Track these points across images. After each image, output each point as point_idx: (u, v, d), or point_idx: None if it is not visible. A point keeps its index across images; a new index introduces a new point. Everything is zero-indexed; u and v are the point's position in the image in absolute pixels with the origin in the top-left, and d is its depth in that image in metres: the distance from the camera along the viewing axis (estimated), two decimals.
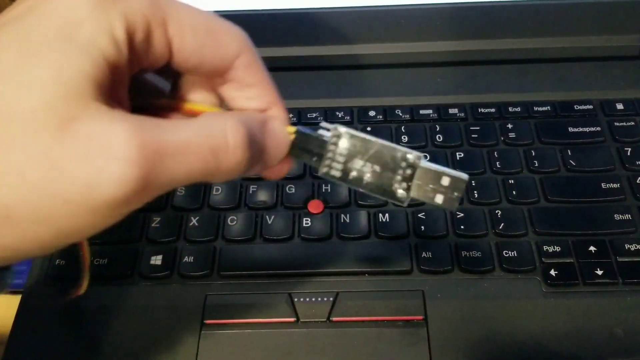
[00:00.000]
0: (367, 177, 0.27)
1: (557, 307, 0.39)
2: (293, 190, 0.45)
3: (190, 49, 0.24)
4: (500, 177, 0.45)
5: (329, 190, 0.45)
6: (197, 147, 0.22)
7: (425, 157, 0.27)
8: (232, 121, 0.24)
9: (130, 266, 0.42)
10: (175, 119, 0.27)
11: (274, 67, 0.52)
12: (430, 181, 0.26)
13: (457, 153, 0.47)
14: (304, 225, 0.43)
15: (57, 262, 0.42)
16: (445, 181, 0.26)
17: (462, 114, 0.50)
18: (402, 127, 0.49)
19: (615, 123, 0.48)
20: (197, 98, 0.28)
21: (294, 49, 0.54)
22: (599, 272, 0.40)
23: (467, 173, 0.26)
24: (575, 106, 0.50)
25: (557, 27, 0.52)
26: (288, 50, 0.53)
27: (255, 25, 0.53)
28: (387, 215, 0.43)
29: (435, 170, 0.26)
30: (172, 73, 0.28)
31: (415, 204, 0.44)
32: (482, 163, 0.46)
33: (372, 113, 0.50)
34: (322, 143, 0.27)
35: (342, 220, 0.43)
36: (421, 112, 0.50)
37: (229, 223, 0.44)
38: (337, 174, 0.27)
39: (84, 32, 0.21)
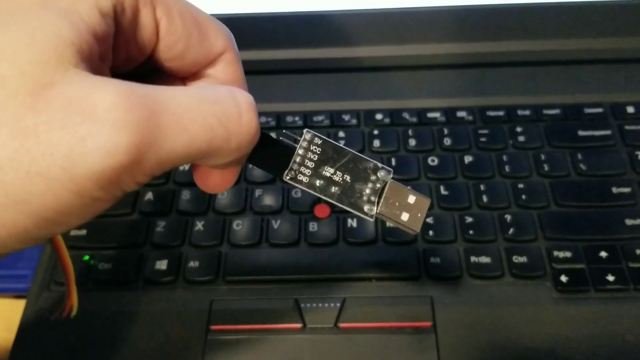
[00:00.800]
0: (335, 187, 0.25)
1: (567, 313, 0.39)
2: (299, 195, 0.45)
3: (177, 34, 0.23)
4: (509, 182, 0.45)
5: None
6: (201, 113, 0.20)
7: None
8: (237, 88, 0.22)
9: (135, 271, 0.42)
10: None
11: (281, 69, 0.53)
12: (398, 198, 0.26)
13: (466, 157, 0.46)
14: (310, 230, 0.43)
15: (60, 266, 0.42)
16: (412, 199, 0.26)
17: (471, 117, 0.49)
18: (410, 131, 0.48)
19: (625, 126, 0.48)
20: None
21: (300, 52, 0.53)
22: (610, 278, 0.40)
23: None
24: (585, 109, 0.49)
25: (566, 29, 0.52)
26: (294, 53, 0.53)
27: (262, 28, 0.52)
28: None
29: (403, 187, 0.26)
30: (143, 72, 0.26)
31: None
32: (491, 167, 0.46)
33: (379, 116, 0.50)
34: (287, 149, 0.26)
35: (348, 225, 0.43)
36: (429, 115, 0.49)
37: (235, 228, 0.43)
38: (304, 179, 0.25)
39: (64, 2, 0.20)
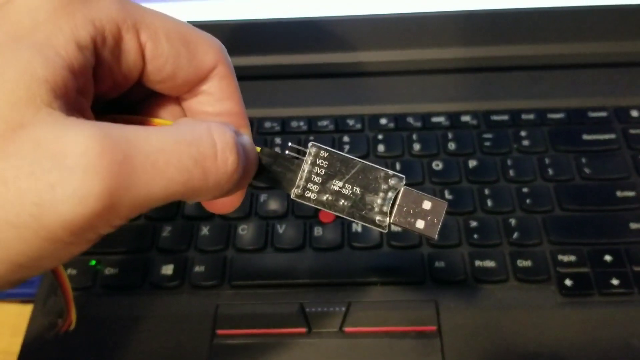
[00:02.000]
0: (345, 201, 0.25)
1: (572, 317, 0.39)
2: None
3: (164, 56, 0.23)
4: (514, 186, 0.45)
5: None
6: (177, 155, 0.19)
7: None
8: (216, 124, 0.21)
9: (141, 276, 0.42)
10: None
11: (285, 74, 0.53)
12: (412, 205, 0.25)
13: (470, 161, 0.46)
14: (315, 234, 0.43)
15: (68, 271, 0.42)
16: (427, 205, 0.25)
17: (475, 122, 0.49)
18: (414, 135, 0.48)
19: (630, 130, 0.48)
20: (165, 116, 0.26)
21: (305, 57, 0.53)
22: (615, 282, 0.40)
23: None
24: (589, 113, 0.49)
25: (570, 33, 0.52)
26: (299, 58, 0.53)
27: (267, 34, 0.53)
28: None
29: (417, 193, 0.25)
30: (136, 94, 0.26)
31: None
32: (496, 171, 0.46)
33: (383, 121, 0.50)
34: (293, 163, 0.25)
35: (353, 230, 0.43)
36: (433, 119, 0.50)
37: (240, 232, 0.43)
38: (312, 196, 0.25)
39: (38, 35, 0.19)
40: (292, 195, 0.25)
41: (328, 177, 0.25)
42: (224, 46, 0.25)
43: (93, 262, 0.42)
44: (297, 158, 0.25)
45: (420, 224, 0.25)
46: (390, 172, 0.25)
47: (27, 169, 0.17)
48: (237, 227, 0.44)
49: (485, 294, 0.40)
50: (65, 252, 0.18)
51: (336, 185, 0.25)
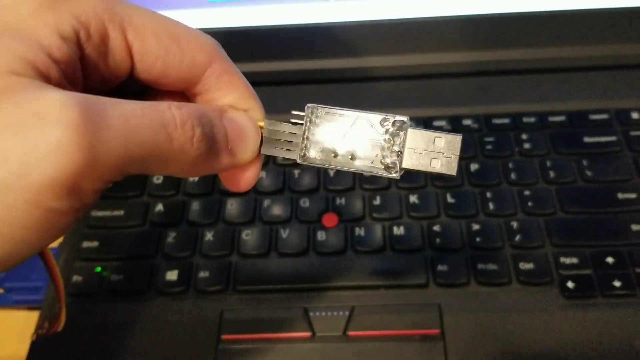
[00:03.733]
0: (352, 155, 0.24)
1: (574, 319, 0.39)
2: (307, 204, 0.45)
3: (152, 55, 0.23)
4: (515, 189, 0.45)
5: (344, 204, 0.45)
6: (145, 118, 0.20)
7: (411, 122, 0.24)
8: (176, 103, 0.22)
9: (146, 282, 0.42)
10: None
11: (286, 81, 0.53)
12: (423, 145, 0.23)
13: (472, 164, 0.47)
14: (319, 239, 0.43)
15: (74, 278, 0.42)
16: (439, 142, 0.23)
17: (476, 125, 0.49)
18: None
19: (631, 132, 0.48)
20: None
21: (305, 63, 0.54)
22: (617, 284, 0.40)
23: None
24: (590, 116, 0.49)
25: (571, 36, 0.52)
26: (299, 64, 0.54)
27: (267, 40, 0.53)
28: (402, 228, 0.43)
29: (426, 132, 0.23)
30: (138, 86, 0.26)
31: (429, 217, 0.44)
32: (497, 174, 0.46)
33: None
34: (295, 130, 0.25)
35: (356, 234, 0.43)
36: (434, 123, 0.50)
37: (244, 237, 0.44)
38: (317, 156, 0.24)
39: (22, 27, 0.20)
40: (298, 160, 0.25)
41: (330, 135, 0.24)
42: (217, 43, 0.25)
43: (98, 269, 0.43)
44: (299, 124, 0.25)
45: (435, 163, 0.23)
46: (391, 115, 0.24)
47: (11, 130, 0.17)
48: (241, 233, 0.44)
49: (488, 296, 0.40)
50: (50, 223, 0.18)
51: (339, 140, 0.24)
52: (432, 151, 0.23)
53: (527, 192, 0.45)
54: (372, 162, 0.24)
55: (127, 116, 0.19)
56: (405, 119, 0.23)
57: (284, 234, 0.44)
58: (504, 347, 0.38)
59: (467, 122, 0.50)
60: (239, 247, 0.43)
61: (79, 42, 0.21)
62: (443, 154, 0.23)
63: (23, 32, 0.20)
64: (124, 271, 0.43)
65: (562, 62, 0.53)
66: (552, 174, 0.46)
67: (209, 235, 0.44)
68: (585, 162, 0.46)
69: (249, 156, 0.25)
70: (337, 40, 0.53)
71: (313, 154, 0.24)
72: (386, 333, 0.39)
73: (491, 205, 0.44)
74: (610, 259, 0.41)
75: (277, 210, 0.45)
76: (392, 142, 0.23)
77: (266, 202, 0.46)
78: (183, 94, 0.26)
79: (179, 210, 0.45)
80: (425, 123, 0.50)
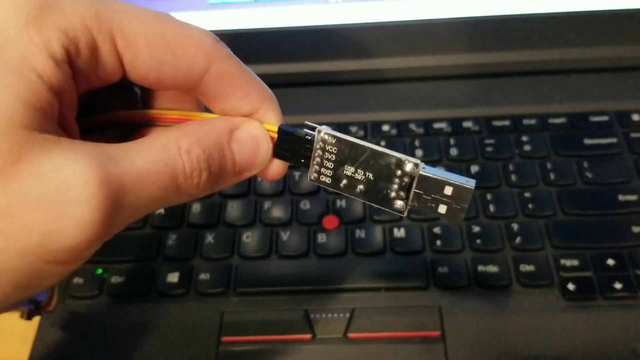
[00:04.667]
0: (360, 186, 0.24)
1: (575, 321, 0.39)
2: (308, 207, 0.45)
3: (145, 65, 0.22)
4: (516, 191, 0.45)
5: (344, 206, 0.45)
6: (157, 176, 0.20)
7: (423, 164, 0.23)
8: (185, 142, 0.21)
9: (147, 284, 0.42)
10: (132, 139, 0.22)
11: (288, 83, 0.54)
12: (432, 190, 0.23)
13: (472, 167, 0.47)
14: (319, 241, 0.43)
15: (74, 280, 0.43)
16: (448, 190, 0.23)
17: (477, 127, 0.49)
18: (416, 141, 0.49)
19: (631, 134, 0.48)
20: (175, 105, 0.26)
21: (307, 65, 0.54)
22: (618, 286, 0.40)
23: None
24: (590, 118, 0.49)
25: (571, 38, 0.52)
26: (301, 66, 0.54)
27: (269, 42, 0.53)
28: (402, 230, 0.43)
29: (436, 178, 0.23)
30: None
31: (431, 219, 0.44)
32: (498, 176, 0.46)
33: (385, 127, 0.50)
34: (308, 143, 0.24)
35: (357, 236, 0.43)
36: (435, 125, 0.50)
37: (245, 240, 0.44)
38: (327, 180, 0.24)
39: (14, 53, 0.19)
40: (309, 179, 0.25)
41: (339, 163, 0.24)
42: (217, 40, 0.23)
43: (100, 271, 0.43)
44: (311, 138, 0.24)
45: (442, 209, 0.23)
46: (404, 157, 0.23)
47: (33, 203, 0.18)
48: (242, 235, 0.44)
49: (488, 299, 0.40)
50: (65, 271, 0.20)
51: (348, 170, 0.24)
52: (441, 198, 0.23)
53: (527, 194, 0.45)
54: (380, 197, 0.24)
55: (142, 178, 0.20)
56: (418, 162, 0.23)
57: (285, 236, 0.44)
58: (505, 349, 0.38)
59: (467, 124, 0.50)
60: (240, 250, 0.43)
61: (70, 61, 0.20)
62: (451, 202, 0.23)
63: (17, 62, 0.19)
64: (125, 273, 0.43)
65: (562, 64, 0.53)
66: (552, 176, 0.46)
67: (209, 238, 0.44)
68: (585, 164, 0.46)
69: (257, 172, 0.25)
70: (335, 43, 0.53)
71: (322, 177, 0.24)
72: (387, 335, 0.39)
73: (491, 207, 0.44)
74: (610, 261, 0.41)
75: (277, 212, 0.45)
76: (402, 182, 0.23)
77: (266, 205, 0.46)
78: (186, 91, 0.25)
79: (179, 213, 0.46)
80: (425, 125, 0.50)
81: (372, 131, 0.50)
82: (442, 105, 0.52)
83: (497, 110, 0.51)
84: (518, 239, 0.42)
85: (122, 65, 0.22)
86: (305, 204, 0.45)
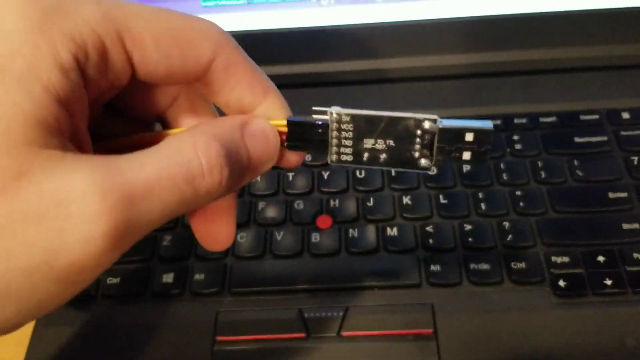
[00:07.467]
0: (383, 155, 0.24)
1: (567, 318, 0.39)
2: (301, 206, 0.46)
3: (154, 61, 0.21)
4: (507, 189, 0.45)
5: (337, 205, 0.45)
6: (169, 180, 0.19)
7: (439, 117, 0.24)
8: (201, 139, 0.21)
9: (142, 285, 0.42)
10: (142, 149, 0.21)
11: (290, 83, 0.54)
12: (453, 141, 0.23)
13: (464, 166, 0.47)
14: (313, 240, 0.44)
15: None
16: (470, 137, 0.23)
17: None
18: None
19: (621, 132, 0.48)
20: (190, 117, 0.26)
21: (306, 66, 0.54)
22: (608, 282, 0.40)
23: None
24: (581, 116, 0.50)
25: (560, 38, 0.53)
26: (301, 68, 0.54)
27: (270, 44, 0.53)
28: (395, 229, 0.44)
29: (456, 128, 0.23)
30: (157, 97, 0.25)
31: (422, 218, 0.44)
32: (489, 175, 0.46)
33: None
34: (321, 129, 0.24)
35: (350, 235, 0.44)
36: None
37: (239, 240, 0.44)
38: (349, 158, 0.24)
39: (18, 62, 0.18)
40: (329, 162, 0.25)
41: (358, 138, 0.24)
42: (223, 32, 0.23)
43: None
44: (324, 123, 0.24)
45: (467, 155, 0.24)
46: (421, 116, 0.23)
47: (34, 220, 0.17)
48: (236, 235, 0.44)
49: (480, 296, 0.41)
50: (73, 290, 0.19)
51: (368, 143, 0.24)
52: (464, 146, 0.23)
53: (518, 193, 0.45)
54: (404, 160, 0.24)
55: (152, 184, 0.19)
56: (435, 117, 0.23)
57: (279, 236, 0.44)
58: (497, 346, 0.38)
59: None
60: (234, 250, 0.44)
61: (79, 68, 0.19)
62: (475, 147, 0.23)
63: (22, 73, 0.18)
64: (120, 274, 0.43)
65: (552, 64, 0.53)
66: (543, 174, 0.46)
67: None
68: (576, 162, 0.47)
69: (269, 167, 0.24)
70: (328, 44, 0.53)
71: (345, 157, 0.24)
72: (380, 333, 0.39)
73: (483, 206, 0.44)
74: (601, 258, 0.41)
75: (271, 212, 0.45)
76: (422, 141, 0.23)
77: (260, 205, 0.46)
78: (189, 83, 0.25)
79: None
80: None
81: None
82: (434, 106, 0.52)
83: (488, 110, 0.51)
84: (509, 237, 0.43)
85: (131, 65, 0.21)
86: (299, 204, 0.46)
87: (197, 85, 0.24)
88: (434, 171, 0.24)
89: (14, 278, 0.17)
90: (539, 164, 0.47)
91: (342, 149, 0.24)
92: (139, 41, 0.21)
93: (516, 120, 0.50)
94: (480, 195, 0.45)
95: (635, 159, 0.46)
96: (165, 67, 0.22)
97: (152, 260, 0.44)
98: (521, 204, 0.44)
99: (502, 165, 0.47)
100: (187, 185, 0.20)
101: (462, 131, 0.23)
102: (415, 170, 0.24)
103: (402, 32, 0.53)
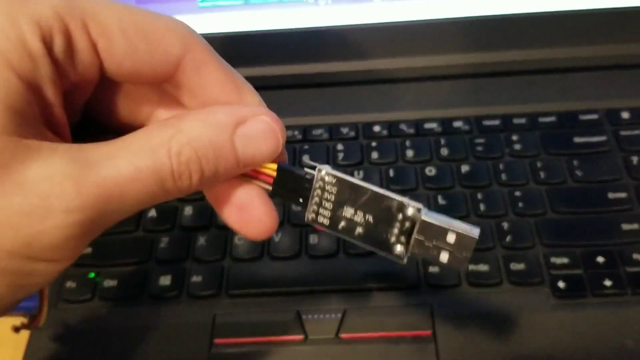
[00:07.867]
0: (359, 229, 0.23)
1: (566, 319, 0.39)
2: (299, 208, 0.45)
3: (120, 52, 0.21)
4: (506, 190, 0.45)
5: None
6: (141, 182, 0.20)
7: (426, 208, 0.23)
8: (176, 144, 0.21)
9: (139, 287, 0.42)
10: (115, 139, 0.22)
11: (280, 85, 0.54)
12: (434, 237, 0.22)
13: (463, 166, 0.47)
14: (311, 242, 0.43)
15: (67, 284, 0.43)
16: (451, 238, 0.22)
17: (467, 127, 0.50)
18: (407, 142, 0.49)
19: (621, 132, 0.48)
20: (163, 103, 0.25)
21: (298, 67, 0.54)
22: (608, 283, 0.40)
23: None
24: (580, 116, 0.50)
25: (559, 38, 0.52)
26: (292, 68, 0.54)
27: (261, 45, 0.53)
28: None
29: (438, 225, 0.22)
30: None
31: None
32: (488, 176, 0.46)
33: (376, 128, 0.50)
34: (307, 183, 0.23)
35: None
36: (426, 126, 0.50)
37: (237, 242, 0.44)
38: (325, 222, 0.23)
39: None
40: (306, 219, 0.24)
41: (339, 204, 0.23)
42: (192, 30, 0.23)
43: (92, 275, 0.43)
44: (311, 177, 0.23)
45: (444, 257, 0.22)
46: (406, 201, 0.22)
47: (17, 208, 0.18)
48: (234, 237, 0.44)
49: (479, 297, 0.40)
50: (54, 269, 0.21)
51: (347, 212, 0.23)
52: (443, 245, 0.22)
53: (517, 193, 0.45)
54: (379, 241, 0.23)
55: (126, 184, 0.20)
56: (420, 206, 0.22)
57: (276, 237, 0.44)
58: (496, 348, 0.38)
59: (457, 124, 0.50)
60: (232, 252, 0.44)
61: (47, 52, 0.20)
62: (454, 251, 0.22)
63: None
64: (117, 277, 0.43)
65: (551, 64, 0.53)
66: (542, 174, 0.46)
67: (201, 240, 0.44)
68: (575, 163, 0.46)
69: (270, 160, 0.24)
70: (325, 44, 0.53)
71: (320, 218, 0.24)
72: (378, 335, 0.39)
73: (482, 207, 0.44)
74: (600, 259, 0.41)
75: None
76: (401, 227, 0.22)
77: None
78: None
79: (171, 215, 0.46)
80: (416, 125, 0.50)
81: (363, 132, 0.50)
82: (433, 106, 0.52)
83: (487, 110, 0.51)
84: (508, 238, 0.43)
85: (97, 55, 0.21)
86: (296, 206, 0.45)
87: (169, 88, 0.24)
88: (405, 262, 0.23)
89: (0, 260, 0.19)
90: (538, 164, 0.46)
91: (321, 210, 0.23)
92: (105, 30, 0.21)
93: (515, 121, 0.50)
94: (479, 195, 0.45)
95: (635, 159, 0.46)
96: (133, 62, 0.22)
97: (149, 263, 0.44)
98: (520, 204, 0.44)
99: (501, 166, 0.47)
100: (157, 186, 0.21)
101: (444, 230, 0.22)
102: (387, 254, 0.23)
103: (400, 32, 0.52)
